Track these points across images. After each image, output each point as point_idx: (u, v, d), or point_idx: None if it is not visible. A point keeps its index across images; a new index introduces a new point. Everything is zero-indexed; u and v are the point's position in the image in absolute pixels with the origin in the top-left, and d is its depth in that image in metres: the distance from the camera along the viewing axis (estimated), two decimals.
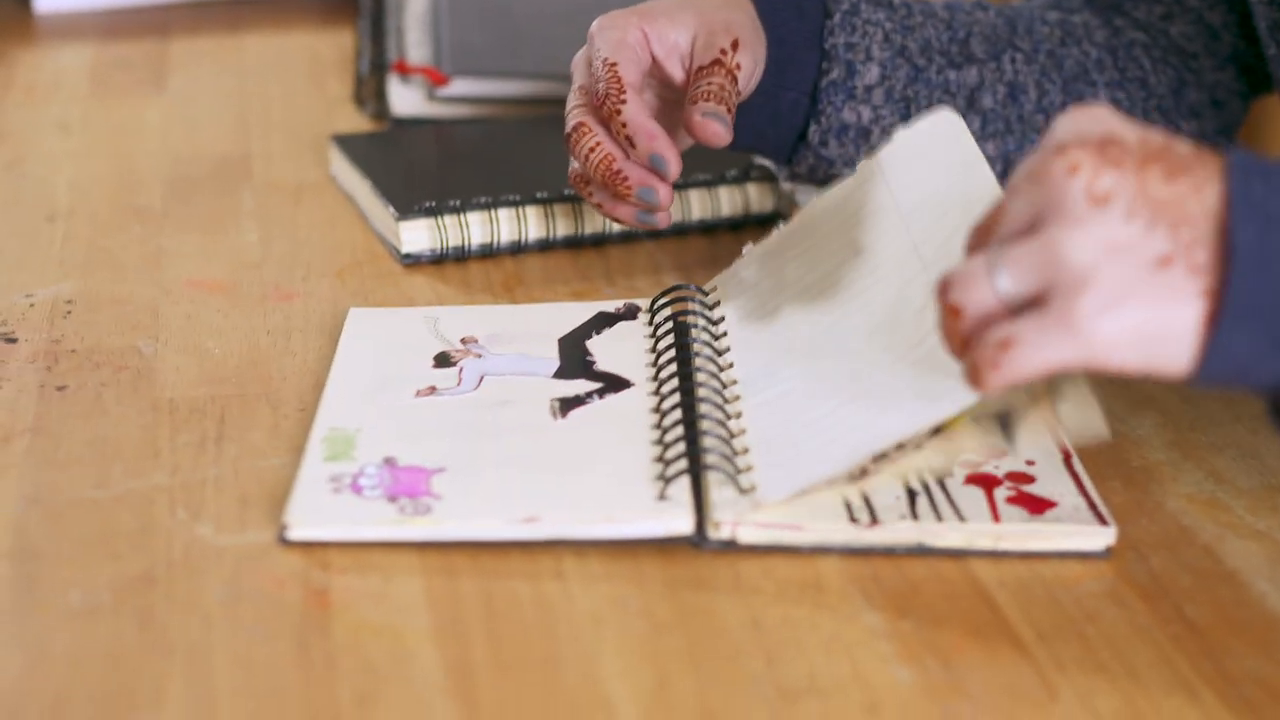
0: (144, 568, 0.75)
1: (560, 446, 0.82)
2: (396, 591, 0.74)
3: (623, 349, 0.91)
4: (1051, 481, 0.80)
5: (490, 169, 1.11)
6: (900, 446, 0.79)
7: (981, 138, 1.01)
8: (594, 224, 1.06)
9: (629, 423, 0.84)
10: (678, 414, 0.83)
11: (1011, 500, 0.79)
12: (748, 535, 0.77)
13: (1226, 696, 0.69)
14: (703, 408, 0.83)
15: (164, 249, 1.05)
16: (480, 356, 0.90)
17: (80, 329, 0.95)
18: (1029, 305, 0.66)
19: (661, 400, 0.85)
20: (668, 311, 0.92)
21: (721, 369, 0.87)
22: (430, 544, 0.76)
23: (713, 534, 0.77)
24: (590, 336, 0.92)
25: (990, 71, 1.01)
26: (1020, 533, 0.77)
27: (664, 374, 0.87)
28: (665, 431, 0.82)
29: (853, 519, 0.77)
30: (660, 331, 0.91)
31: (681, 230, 1.08)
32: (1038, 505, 0.78)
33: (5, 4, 1.48)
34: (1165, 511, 0.81)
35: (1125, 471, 0.83)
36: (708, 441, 0.80)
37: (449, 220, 1.03)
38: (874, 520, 0.77)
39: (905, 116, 0.99)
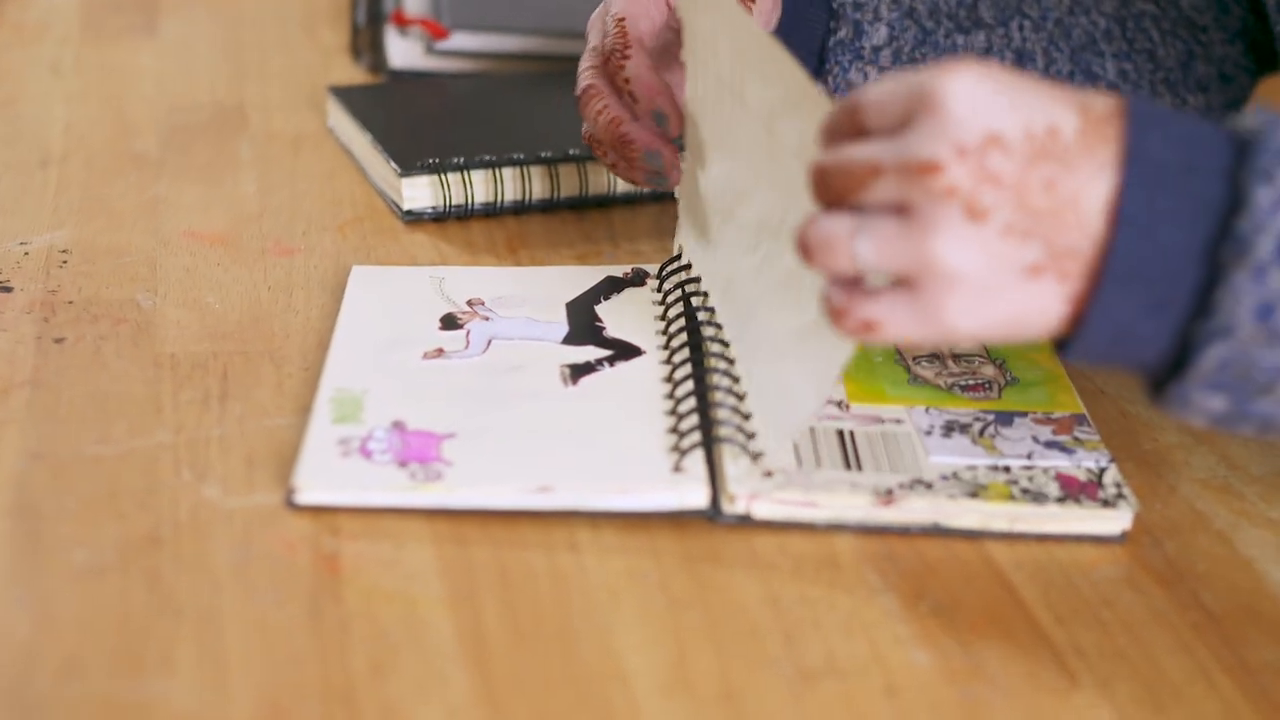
0: (150, 528, 0.73)
1: (572, 415, 0.81)
2: (408, 558, 0.73)
3: (631, 315, 0.90)
4: None
5: (490, 126, 1.10)
6: None
7: None
8: (598, 185, 1.04)
9: (641, 392, 0.83)
10: (690, 385, 0.82)
11: None
12: (762, 510, 0.76)
13: (1245, 686, 0.68)
14: (714, 378, 0.82)
15: (161, 198, 1.03)
16: (488, 320, 0.89)
17: (77, 279, 0.93)
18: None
19: (673, 370, 0.84)
20: (677, 279, 0.91)
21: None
22: (440, 511, 0.75)
23: (727, 508, 0.76)
24: (599, 302, 0.91)
25: (998, 38, 1.00)
26: (1037, 515, 0.76)
27: (675, 343, 0.86)
28: (679, 402, 0.81)
29: (877, 497, 0.76)
30: (669, 299, 0.90)
31: None
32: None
33: None
34: (1179, 496, 0.80)
35: (1137, 454, 0.83)
36: (721, 414, 0.79)
37: (452, 178, 1.02)
38: (890, 498, 0.76)
39: None
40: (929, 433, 0.81)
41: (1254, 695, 0.68)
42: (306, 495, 0.75)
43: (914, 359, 0.87)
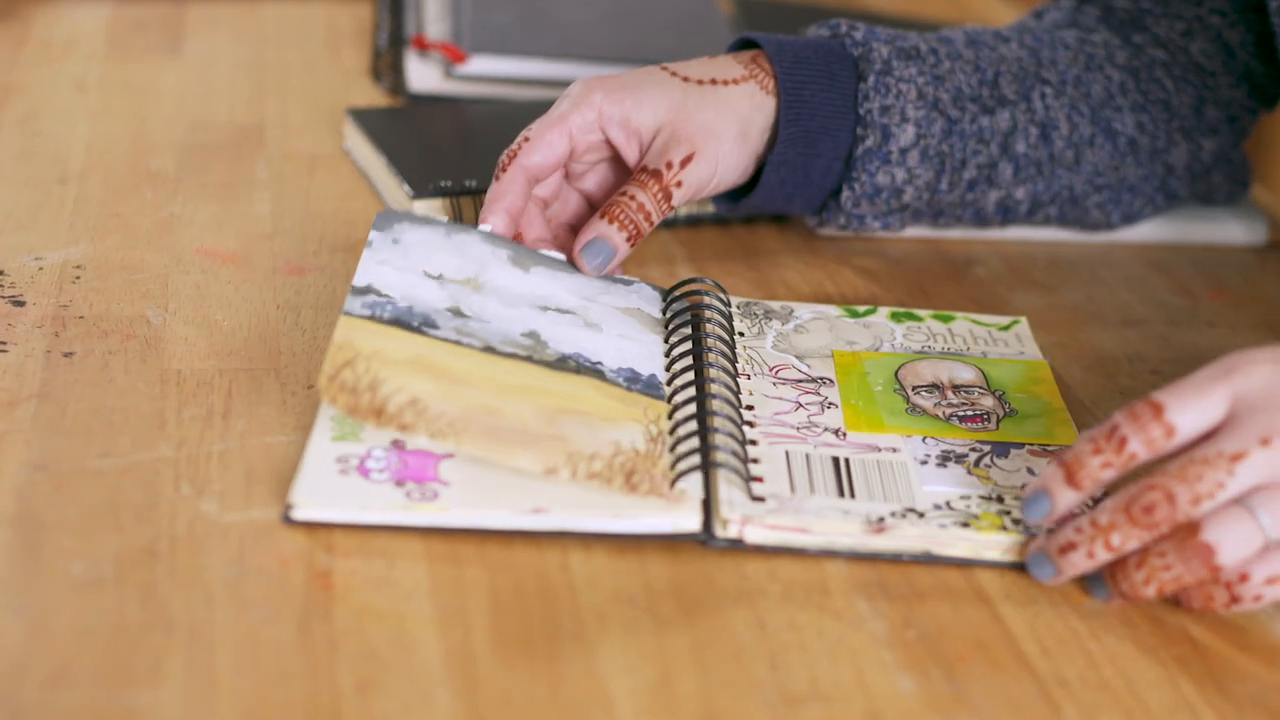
0: (147, 541, 0.74)
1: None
2: (400, 577, 0.73)
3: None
4: None
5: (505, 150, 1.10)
6: None
7: (1013, 183, 1.01)
8: None
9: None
10: (691, 409, 0.82)
11: None
12: (755, 535, 0.76)
13: (1227, 719, 0.69)
14: (714, 404, 0.83)
15: (176, 216, 1.05)
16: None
17: (89, 295, 0.94)
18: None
19: (674, 394, 0.84)
20: (683, 303, 0.92)
21: (735, 364, 0.87)
22: (435, 530, 0.76)
23: (720, 533, 0.76)
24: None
25: (1022, 113, 1.01)
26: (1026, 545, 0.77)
27: (678, 366, 0.86)
28: (677, 426, 0.82)
29: (866, 526, 0.76)
30: (675, 324, 0.90)
31: (696, 220, 1.08)
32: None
33: None
34: None
35: None
36: (718, 439, 0.80)
37: (464, 201, 1.03)
38: (881, 526, 0.76)
39: (939, 172, 0.99)
40: (924, 462, 0.81)
41: None
42: (303, 512, 0.76)
43: (913, 389, 0.87)
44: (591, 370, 0.84)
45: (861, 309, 0.95)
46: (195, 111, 1.21)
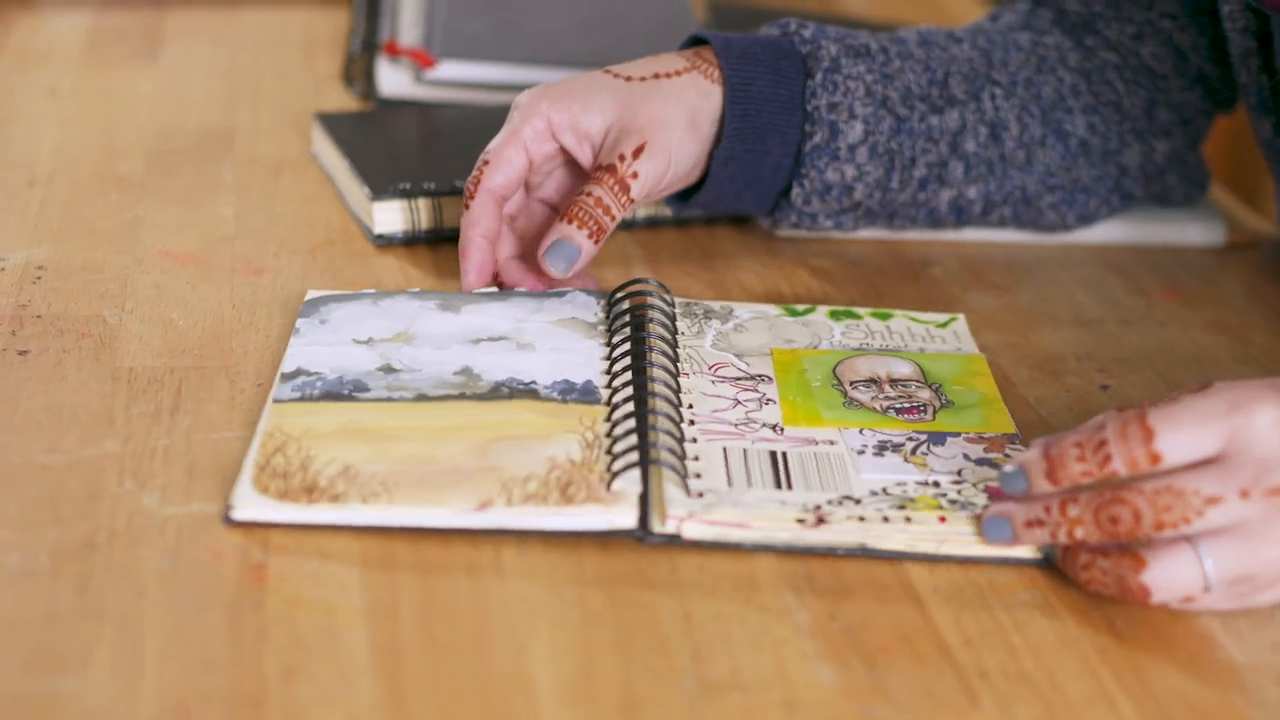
0: (86, 534, 0.75)
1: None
2: (333, 569, 0.74)
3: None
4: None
5: (471, 154, 1.11)
6: None
7: (964, 182, 1.02)
8: None
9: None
10: (629, 407, 0.83)
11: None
12: (692, 531, 0.77)
13: (1146, 710, 0.69)
14: (655, 402, 0.83)
15: (140, 218, 1.06)
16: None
17: (48, 295, 0.95)
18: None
19: (613, 394, 0.85)
20: (626, 304, 0.93)
21: (676, 363, 0.88)
22: (372, 527, 0.77)
23: (657, 528, 0.77)
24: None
25: (971, 113, 1.01)
26: (964, 537, 0.77)
27: (618, 367, 0.87)
28: (614, 425, 0.82)
29: (799, 519, 0.77)
30: (618, 325, 0.91)
31: (655, 222, 1.08)
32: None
33: None
34: None
35: None
36: (658, 437, 0.81)
37: (423, 203, 1.04)
38: (820, 520, 0.77)
39: (889, 169, 1.00)
40: (861, 452, 0.82)
41: (1155, 719, 0.69)
42: (243, 512, 0.76)
43: (851, 384, 0.88)
44: (525, 392, 0.85)
45: (801, 308, 0.96)
46: (166, 117, 1.22)
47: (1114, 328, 1.01)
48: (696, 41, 1.01)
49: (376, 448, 0.80)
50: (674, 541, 0.77)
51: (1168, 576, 0.72)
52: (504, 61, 1.26)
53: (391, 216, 1.04)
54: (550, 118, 0.95)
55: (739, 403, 0.86)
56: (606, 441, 0.81)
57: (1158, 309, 1.03)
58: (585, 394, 0.85)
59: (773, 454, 0.82)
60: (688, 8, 1.42)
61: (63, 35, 1.37)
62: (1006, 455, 0.82)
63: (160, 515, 0.77)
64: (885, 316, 0.96)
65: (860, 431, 0.84)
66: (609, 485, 0.78)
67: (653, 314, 0.91)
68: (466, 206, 0.96)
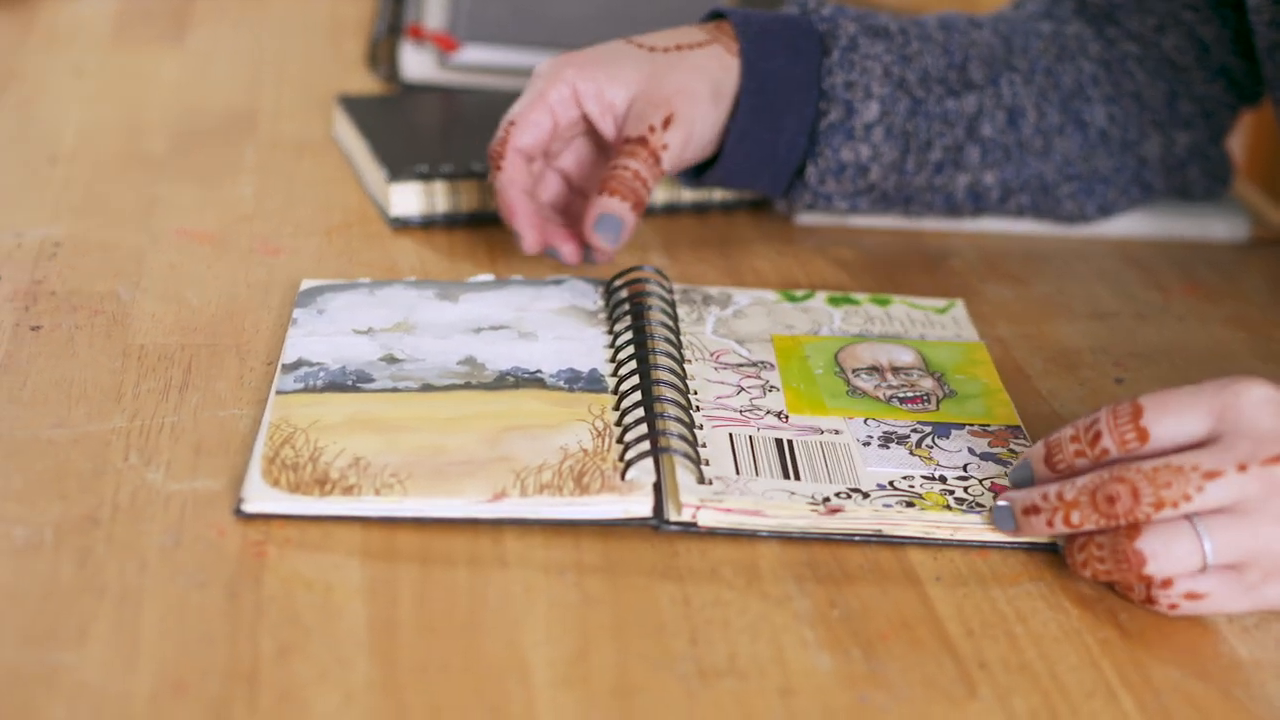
0: (90, 508, 0.75)
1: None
2: (333, 548, 0.74)
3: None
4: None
5: (489, 138, 1.11)
6: None
7: (980, 167, 1.01)
8: None
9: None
10: (637, 395, 0.83)
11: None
12: (708, 519, 0.77)
13: (1146, 704, 0.69)
14: (662, 390, 0.83)
15: (159, 197, 1.06)
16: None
17: (63, 271, 0.96)
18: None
19: (620, 383, 0.85)
20: (626, 291, 0.92)
21: (681, 350, 0.88)
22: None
23: (673, 516, 0.77)
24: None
25: (989, 97, 1.01)
26: (978, 524, 0.77)
27: (623, 355, 0.87)
28: (624, 413, 0.82)
29: (812, 509, 0.76)
30: (619, 313, 0.91)
31: (673, 209, 1.08)
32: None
33: None
34: None
35: None
36: (669, 425, 0.80)
37: (440, 186, 1.04)
38: (832, 506, 0.76)
39: (904, 151, 0.99)
40: (867, 443, 0.82)
41: (1153, 713, 0.68)
42: (254, 505, 0.76)
43: (853, 371, 0.88)
44: (531, 380, 0.85)
45: (799, 293, 0.96)
46: (191, 98, 1.23)
47: (1130, 321, 1.00)
48: (716, 17, 1.00)
49: (386, 439, 0.79)
50: (690, 530, 0.77)
51: (1165, 545, 0.71)
52: (527, 46, 1.25)
53: (408, 199, 1.04)
54: (576, 85, 0.95)
55: (742, 389, 0.86)
56: (617, 430, 0.81)
57: (1176, 303, 1.03)
58: (592, 382, 0.85)
59: (779, 442, 0.81)
60: None
61: (90, 16, 1.37)
62: (1012, 451, 0.82)
63: (164, 491, 0.77)
64: (884, 302, 0.96)
65: (865, 421, 0.83)
66: (623, 474, 0.78)
67: (653, 301, 0.91)
68: (498, 168, 0.95)
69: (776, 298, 0.96)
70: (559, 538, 0.76)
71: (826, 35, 0.98)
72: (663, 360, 0.85)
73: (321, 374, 0.84)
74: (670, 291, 0.93)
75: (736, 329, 0.92)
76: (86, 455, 0.79)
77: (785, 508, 0.76)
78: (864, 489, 0.78)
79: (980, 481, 0.79)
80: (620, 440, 0.80)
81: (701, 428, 0.82)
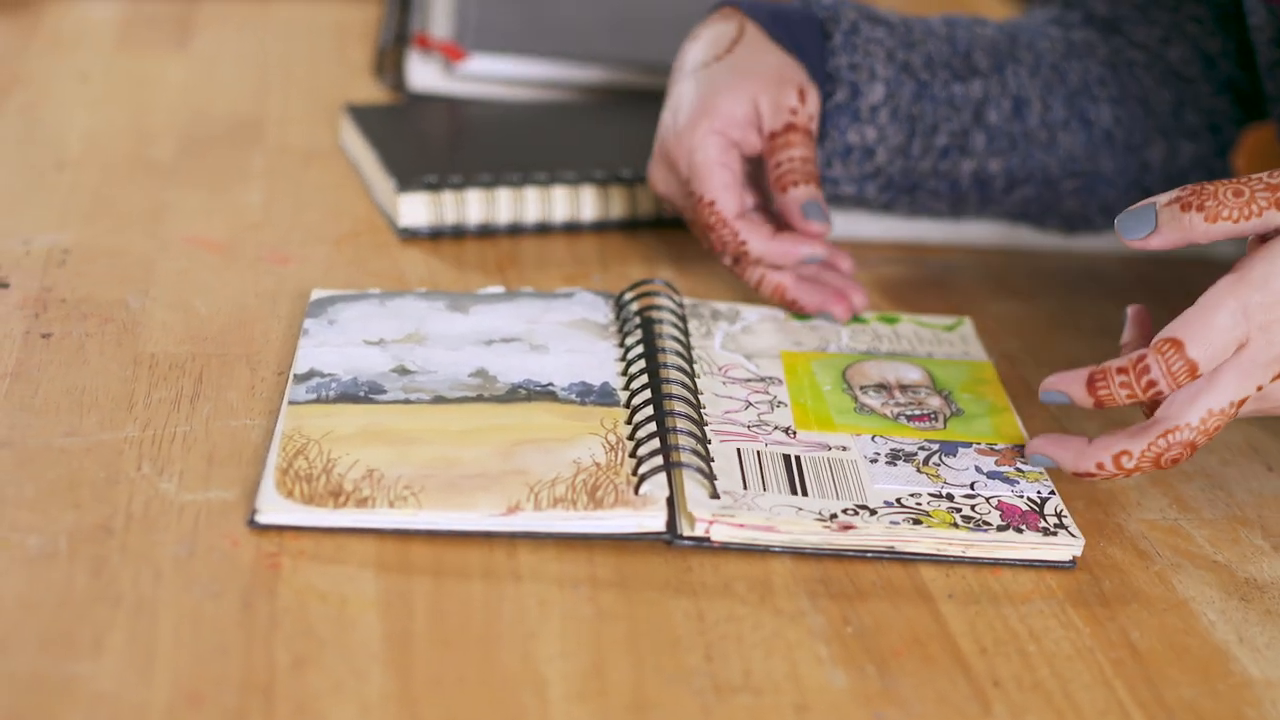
0: (104, 518, 0.75)
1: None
2: (348, 559, 0.74)
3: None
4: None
5: (499, 150, 1.12)
6: None
7: (986, 154, 1.01)
8: (593, 210, 1.06)
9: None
10: (649, 410, 0.83)
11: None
12: (721, 534, 0.77)
13: None
14: (674, 404, 0.83)
15: (167, 204, 1.06)
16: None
17: (73, 279, 0.96)
18: None
19: (632, 396, 0.85)
20: (637, 305, 0.92)
21: (692, 364, 0.88)
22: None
23: (687, 531, 0.77)
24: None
25: (994, 85, 1.01)
26: (990, 541, 0.77)
27: (634, 369, 0.87)
28: (637, 427, 0.82)
29: (822, 525, 0.77)
30: (629, 326, 0.91)
31: (683, 224, 1.08)
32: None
33: None
34: (1124, 535, 0.81)
35: (1089, 491, 0.83)
36: (680, 439, 0.80)
37: (449, 197, 1.04)
38: (844, 523, 0.77)
39: (910, 135, 0.99)
40: (874, 460, 0.82)
41: None
42: (268, 516, 0.76)
43: (861, 388, 0.88)
44: (543, 393, 0.85)
45: None
46: (197, 104, 1.23)
47: None
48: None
49: (399, 451, 0.79)
50: (702, 544, 0.77)
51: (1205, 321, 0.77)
52: (535, 55, 1.25)
53: (417, 209, 1.04)
54: (722, 132, 0.95)
55: (750, 404, 0.86)
56: (629, 444, 0.81)
57: None
58: (604, 396, 0.85)
59: (787, 458, 0.81)
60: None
61: (96, 21, 1.37)
62: (1018, 469, 0.82)
63: (178, 501, 0.77)
64: (892, 320, 0.96)
65: (872, 438, 0.84)
66: (636, 488, 0.78)
67: (663, 314, 0.91)
68: (744, 252, 0.95)
69: (785, 314, 0.96)
70: (572, 551, 0.76)
71: (827, 21, 0.99)
72: (674, 374, 0.86)
73: (334, 385, 0.84)
74: (680, 305, 0.93)
75: (745, 344, 0.92)
76: (99, 464, 0.79)
77: (796, 523, 0.77)
78: (871, 505, 0.78)
79: (986, 499, 0.79)
80: (633, 454, 0.80)
81: (709, 442, 0.82)
